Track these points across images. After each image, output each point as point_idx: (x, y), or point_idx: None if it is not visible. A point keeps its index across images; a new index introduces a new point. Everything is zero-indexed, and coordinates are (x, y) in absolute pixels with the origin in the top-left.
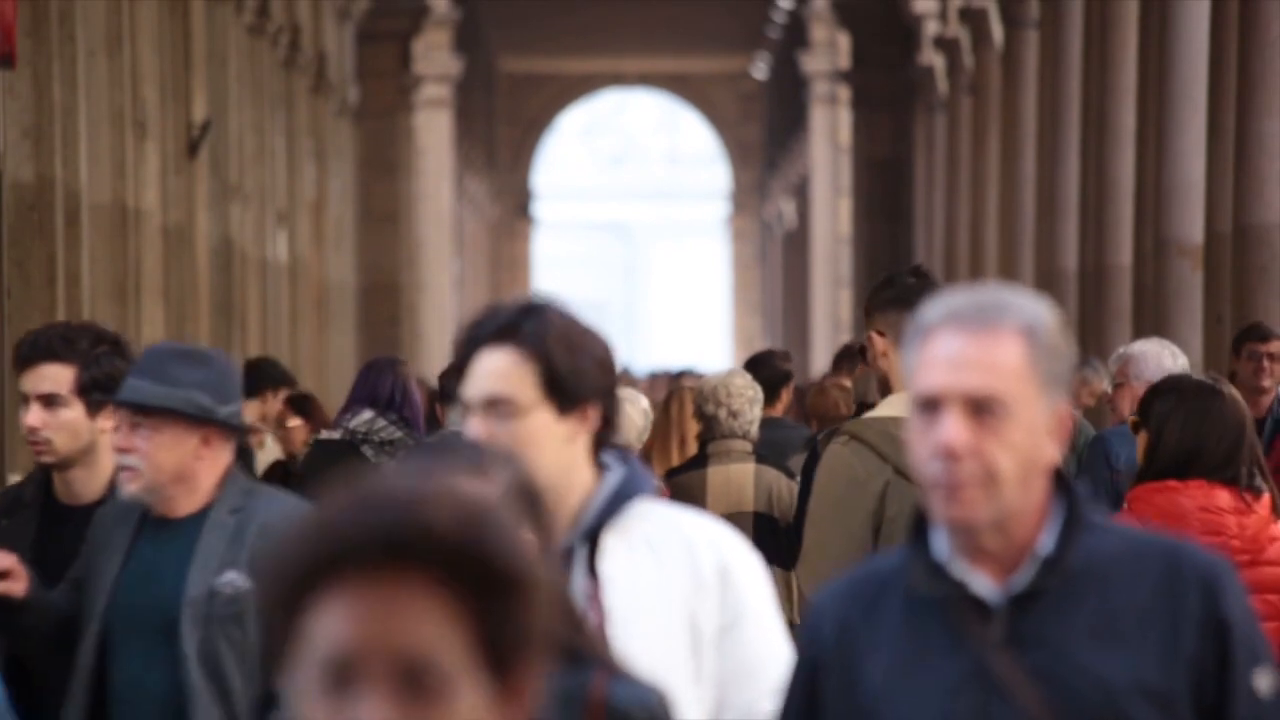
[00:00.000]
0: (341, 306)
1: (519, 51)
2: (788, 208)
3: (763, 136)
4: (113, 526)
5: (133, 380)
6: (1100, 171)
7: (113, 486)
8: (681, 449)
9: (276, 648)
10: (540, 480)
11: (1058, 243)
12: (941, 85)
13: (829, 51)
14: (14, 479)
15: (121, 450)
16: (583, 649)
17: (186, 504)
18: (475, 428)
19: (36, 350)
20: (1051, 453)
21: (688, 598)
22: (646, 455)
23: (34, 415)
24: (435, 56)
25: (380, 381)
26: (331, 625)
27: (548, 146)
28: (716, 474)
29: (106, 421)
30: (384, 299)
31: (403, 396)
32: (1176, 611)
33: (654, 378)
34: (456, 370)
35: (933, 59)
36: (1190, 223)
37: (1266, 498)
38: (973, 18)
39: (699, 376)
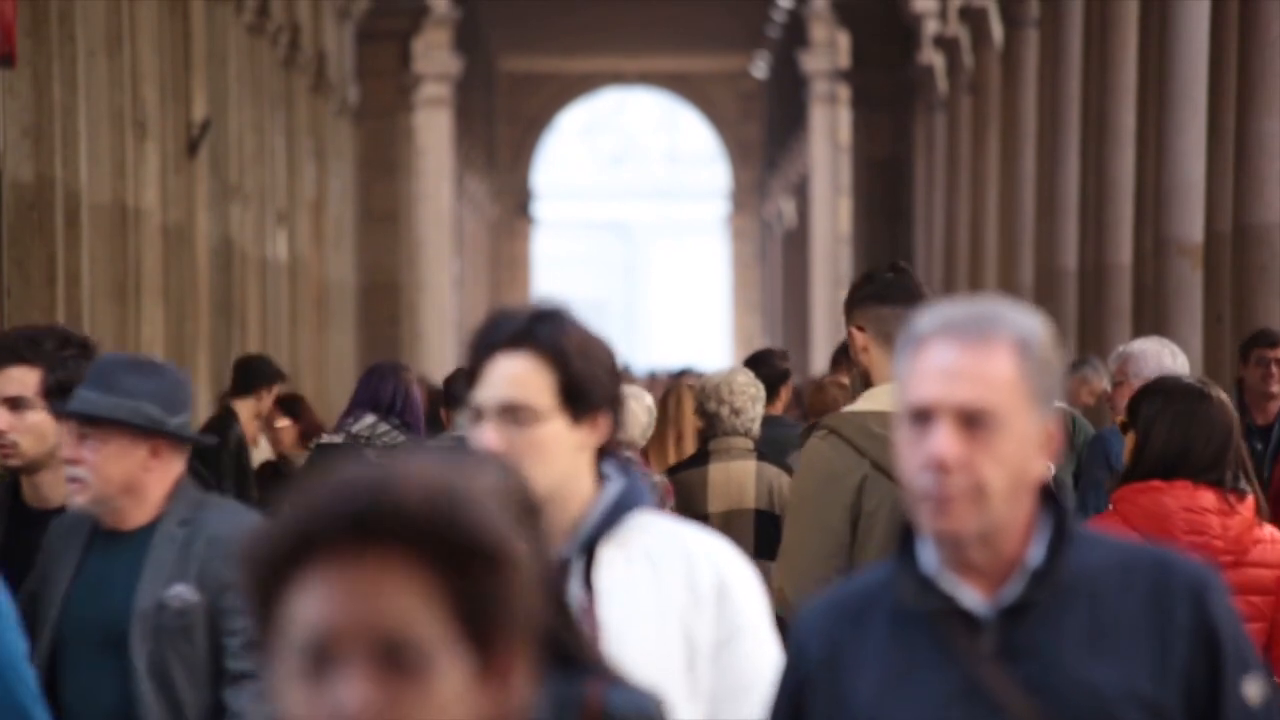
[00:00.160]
0: (341, 306)
1: (519, 50)
2: (787, 207)
3: (763, 136)
4: (65, 538)
5: (81, 391)
6: (1100, 171)
7: None
8: (678, 445)
9: (261, 638)
10: (543, 488)
11: (1058, 242)
12: (941, 84)
13: (829, 51)
14: None
15: (69, 461)
16: (578, 652)
17: (136, 516)
18: (489, 434)
19: (2, 353)
20: (1041, 467)
21: (684, 612)
22: (646, 452)
23: (0, 418)
24: (435, 56)
25: (382, 386)
26: (307, 609)
27: (547, 146)
28: (718, 471)
29: None
30: (384, 298)
31: (404, 401)
32: (1166, 622)
33: (653, 377)
34: (468, 375)
35: (932, 58)
36: (1190, 222)
37: (1250, 500)
38: (972, 17)
39: (699, 375)
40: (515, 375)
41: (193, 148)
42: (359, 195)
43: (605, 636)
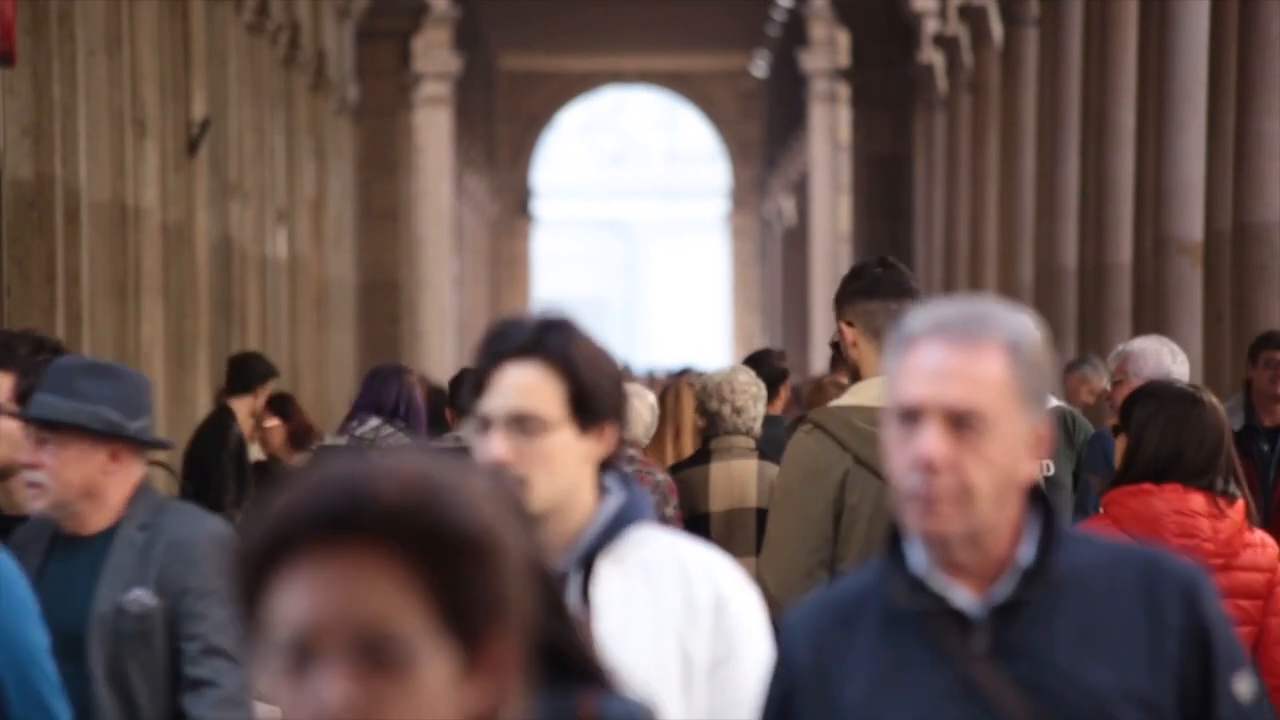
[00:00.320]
0: (341, 304)
1: (519, 49)
2: (787, 205)
3: (762, 134)
4: (27, 544)
5: (41, 395)
6: (1100, 169)
7: None
8: (677, 442)
9: (248, 638)
10: (548, 499)
11: (1057, 241)
12: (941, 83)
13: (828, 49)
14: None
15: (28, 466)
16: (577, 660)
17: (96, 520)
18: (497, 444)
19: None
20: (1030, 469)
21: (681, 628)
22: (648, 450)
23: None
24: (435, 54)
25: (385, 389)
26: (288, 606)
27: (547, 144)
28: (719, 470)
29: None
30: (383, 297)
31: (407, 404)
32: (1158, 620)
33: (651, 376)
34: (473, 384)
35: (932, 57)
36: (1190, 221)
37: (1241, 504)
38: (972, 16)
39: (699, 375)
40: (524, 385)
41: (192, 146)
42: (359, 194)
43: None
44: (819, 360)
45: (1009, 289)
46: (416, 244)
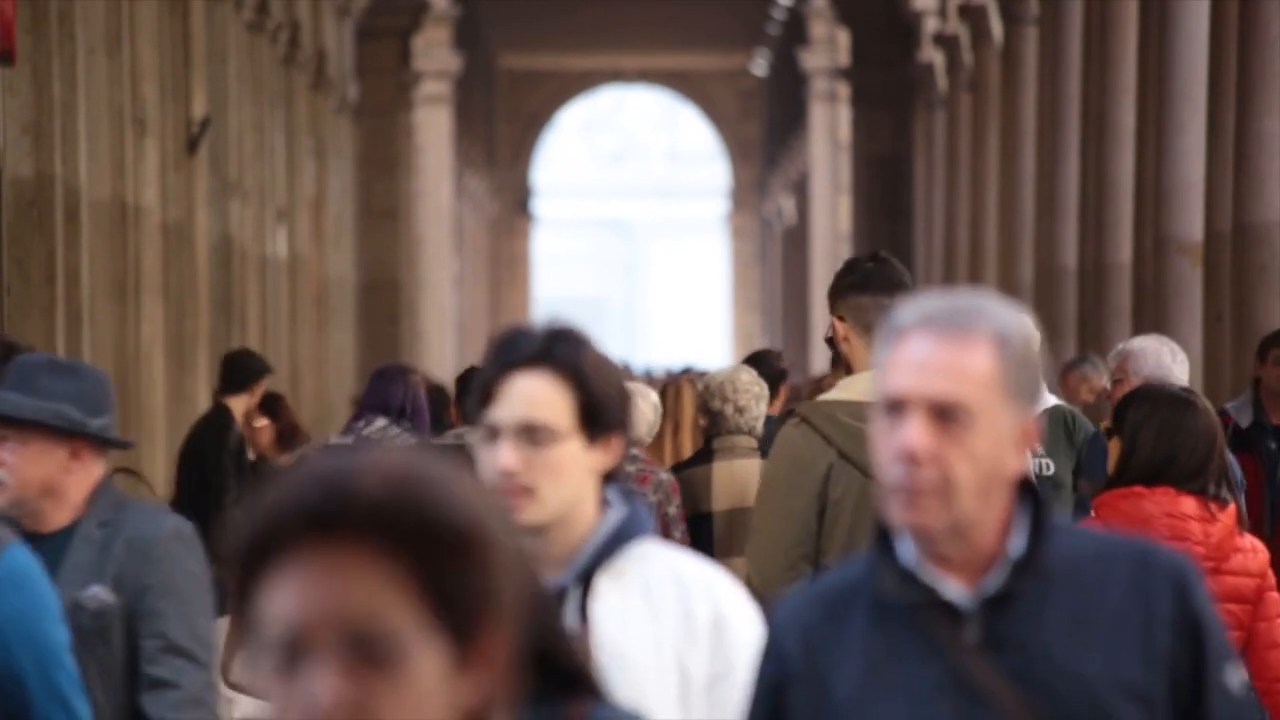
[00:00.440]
0: (341, 304)
1: (519, 48)
2: (787, 205)
3: (762, 133)
4: None
5: (1, 392)
6: (1100, 169)
7: None
8: (675, 439)
9: (246, 636)
10: (554, 510)
11: (1057, 240)
12: (941, 82)
13: (829, 48)
14: None
15: None
16: (569, 671)
17: (56, 518)
18: (506, 454)
19: None
20: (1017, 464)
21: (679, 645)
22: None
23: None
24: (435, 53)
25: (392, 389)
26: (277, 604)
27: (547, 143)
28: (722, 469)
29: None
30: (383, 296)
31: (413, 405)
32: (1150, 612)
33: (649, 375)
34: (482, 393)
35: (932, 56)
36: (1190, 221)
37: (1232, 508)
38: (972, 15)
39: (702, 374)
40: (534, 395)
41: (192, 145)
42: (359, 193)
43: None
44: (819, 360)
45: (1009, 289)
46: (416, 243)
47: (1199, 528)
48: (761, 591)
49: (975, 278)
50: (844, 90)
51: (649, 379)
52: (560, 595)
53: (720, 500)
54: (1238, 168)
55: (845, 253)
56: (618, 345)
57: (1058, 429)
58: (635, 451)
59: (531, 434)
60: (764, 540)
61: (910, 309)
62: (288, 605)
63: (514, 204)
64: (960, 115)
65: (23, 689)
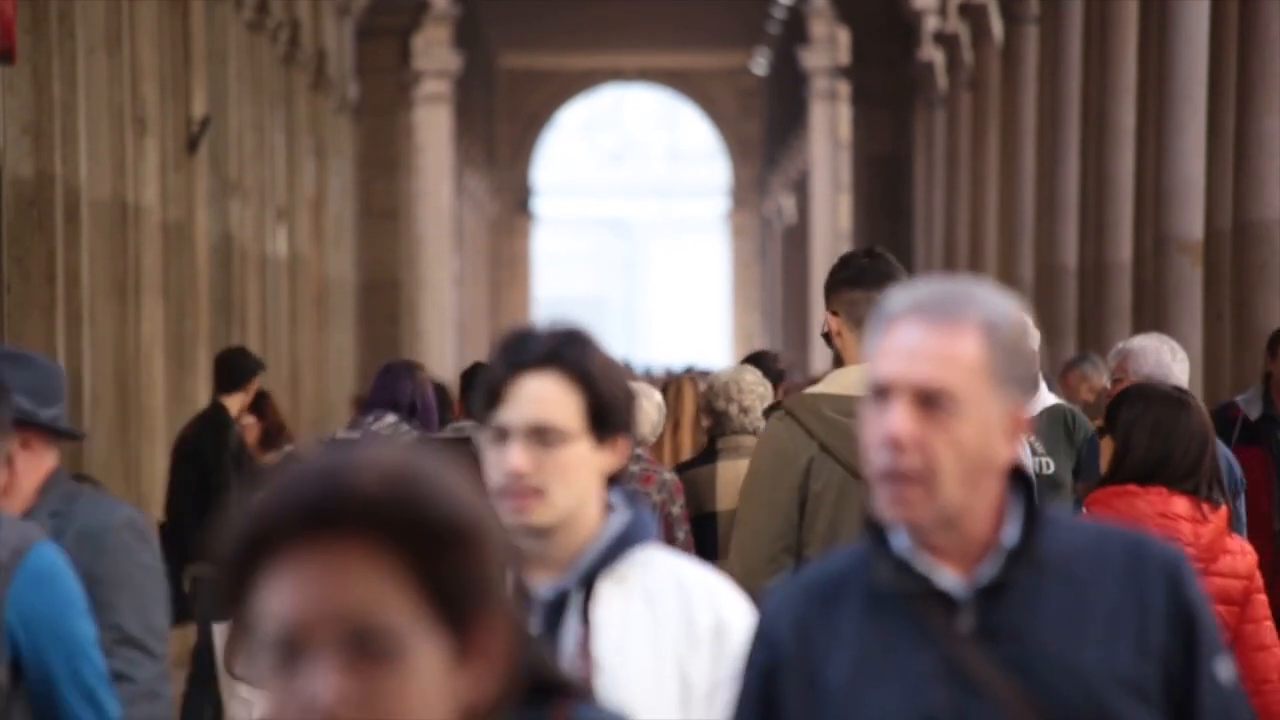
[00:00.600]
0: (341, 303)
1: (519, 47)
2: (787, 204)
3: (762, 132)
4: None
5: None
6: (1100, 168)
7: None
8: (675, 437)
9: (241, 637)
10: (562, 511)
11: (1057, 239)
12: (941, 81)
13: (829, 47)
14: None
15: None
16: (551, 680)
17: (6, 508)
18: (516, 455)
19: None
20: (1007, 452)
21: (680, 652)
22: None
23: None
24: (435, 52)
25: (400, 385)
26: (274, 602)
27: (547, 142)
28: (726, 469)
29: None
30: (383, 296)
31: (422, 401)
32: (1144, 602)
33: (648, 374)
34: (490, 394)
35: (932, 55)
36: (1190, 220)
37: (1224, 510)
38: (972, 13)
39: (705, 374)
40: (544, 396)
41: (192, 145)
42: (359, 192)
43: (598, 673)
44: (820, 359)
45: (1009, 287)
46: (416, 243)
47: (1190, 528)
48: (744, 583)
49: (975, 276)
50: (844, 89)
51: (648, 377)
52: (562, 599)
53: (725, 500)
54: (1238, 167)
55: (845, 251)
56: (618, 344)
57: (1057, 428)
58: (639, 451)
59: (542, 435)
60: (746, 532)
61: (900, 296)
62: (285, 602)
63: (514, 203)
64: (960, 114)
65: (51, 684)
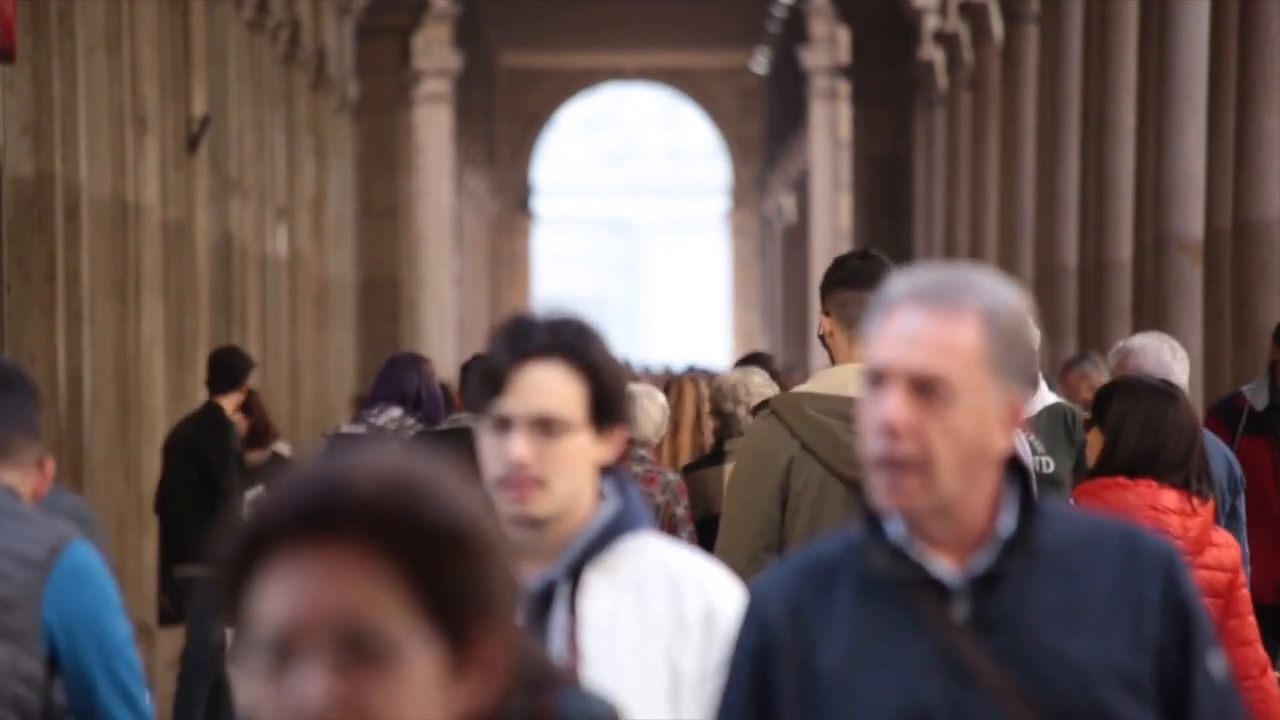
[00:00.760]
0: (341, 303)
1: (519, 46)
2: (788, 203)
3: (763, 132)
4: None
5: None
6: (1100, 167)
7: None
8: (674, 439)
9: (238, 638)
10: (562, 502)
11: (1058, 238)
12: (941, 80)
13: (829, 46)
14: None
15: None
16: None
17: None
18: (519, 445)
19: None
20: (1004, 442)
21: (669, 641)
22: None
23: None
24: (435, 52)
25: (406, 378)
26: (269, 605)
27: (547, 142)
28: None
29: None
30: (384, 295)
31: (427, 394)
32: (1138, 595)
33: (647, 372)
34: (491, 383)
35: (933, 54)
36: (1190, 218)
37: (1211, 504)
38: (973, 13)
39: (705, 373)
40: (548, 386)
41: (193, 144)
42: (359, 191)
43: (584, 663)
44: (819, 359)
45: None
46: (416, 242)
47: (1178, 521)
48: None
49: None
50: (844, 88)
51: (648, 374)
52: (549, 590)
53: None
54: (1238, 165)
55: (845, 251)
56: (618, 344)
57: (1057, 427)
58: (643, 453)
59: (545, 426)
60: (728, 530)
61: (901, 282)
62: (279, 606)
63: (514, 202)
64: (960, 113)
65: (88, 682)
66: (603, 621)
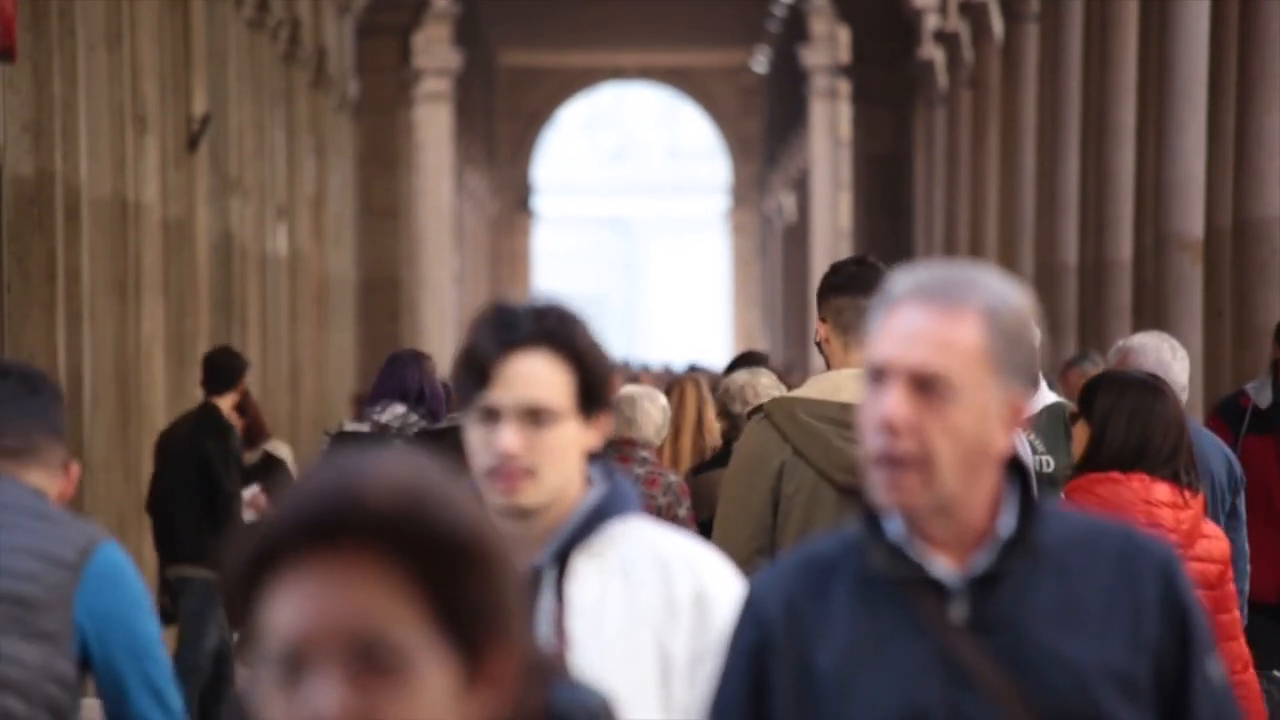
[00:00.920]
0: (341, 302)
1: (519, 45)
2: (788, 202)
3: (763, 131)
4: None
5: None
6: (1100, 166)
7: None
8: (676, 442)
9: (249, 649)
10: (551, 491)
11: (1058, 237)
12: (941, 79)
13: (829, 45)
14: None
15: None
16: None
17: None
18: (509, 436)
19: None
20: (1004, 442)
21: (658, 626)
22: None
23: None
24: (435, 50)
25: (408, 375)
26: (280, 616)
27: (547, 141)
28: None
29: None
30: (384, 294)
31: (430, 390)
32: (1137, 596)
33: (647, 369)
34: (477, 373)
35: (933, 53)
36: (1190, 218)
37: (1202, 496)
38: (973, 12)
39: (704, 373)
40: (537, 375)
41: (193, 143)
42: (359, 190)
43: (572, 649)
44: (820, 358)
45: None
46: (416, 241)
47: (1171, 515)
48: None
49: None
50: (844, 87)
51: (648, 373)
52: (535, 575)
53: None
54: (1238, 164)
55: (846, 250)
56: (618, 342)
57: (1057, 426)
58: (645, 454)
59: (534, 416)
60: (721, 534)
61: (904, 279)
62: (291, 617)
63: (514, 201)
64: (961, 112)
65: (119, 683)
66: (590, 606)
